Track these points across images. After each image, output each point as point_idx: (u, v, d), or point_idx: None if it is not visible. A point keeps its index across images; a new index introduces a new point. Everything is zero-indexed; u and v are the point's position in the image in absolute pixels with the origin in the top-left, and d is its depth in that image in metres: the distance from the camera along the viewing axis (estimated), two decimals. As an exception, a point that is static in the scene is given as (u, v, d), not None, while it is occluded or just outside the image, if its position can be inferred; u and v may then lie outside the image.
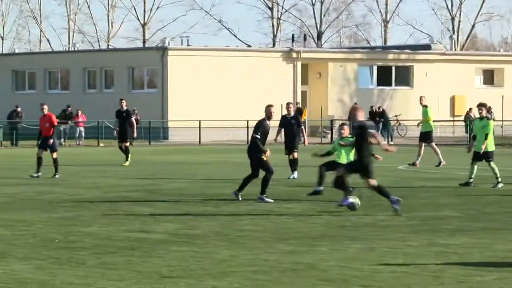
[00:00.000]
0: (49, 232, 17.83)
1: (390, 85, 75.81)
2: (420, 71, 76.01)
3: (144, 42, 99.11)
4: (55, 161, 31.70)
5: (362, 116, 21.56)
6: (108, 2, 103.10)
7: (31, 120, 61.31)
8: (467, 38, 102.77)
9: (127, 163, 37.76)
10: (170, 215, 20.40)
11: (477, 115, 29.07)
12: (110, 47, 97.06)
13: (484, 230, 18.13)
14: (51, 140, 32.11)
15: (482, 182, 28.21)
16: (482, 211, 21.51)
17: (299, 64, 73.45)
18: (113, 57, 75.07)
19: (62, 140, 62.35)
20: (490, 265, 14.01)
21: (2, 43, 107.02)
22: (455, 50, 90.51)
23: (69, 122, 64.35)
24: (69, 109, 65.31)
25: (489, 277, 13.03)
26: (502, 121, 65.77)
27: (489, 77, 79.59)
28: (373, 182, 20.70)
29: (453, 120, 71.55)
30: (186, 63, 68.86)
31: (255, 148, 23.74)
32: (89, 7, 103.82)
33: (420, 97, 39.74)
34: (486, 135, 27.10)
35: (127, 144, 39.04)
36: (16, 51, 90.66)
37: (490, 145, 27.33)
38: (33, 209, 21.66)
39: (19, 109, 63.46)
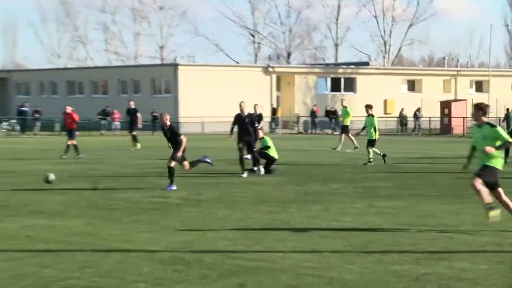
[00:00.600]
0: (94, 197, 17.80)
1: (340, 91, 75.71)
2: (362, 81, 76.09)
3: (161, 59, 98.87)
4: (74, 146, 31.70)
5: (168, 119, 19.77)
6: (135, 31, 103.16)
7: (80, 117, 61.08)
8: (395, 57, 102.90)
9: (138, 146, 37.83)
10: (182, 185, 20.36)
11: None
12: (137, 63, 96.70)
13: (410, 196, 18.14)
14: (76, 132, 32.34)
15: (403, 162, 28.28)
16: (407, 182, 21.51)
17: (274, 76, 73.39)
18: (139, 71, 74.96)
19: (103, 131, 62.31)
20: (415, 221, 14.03)
21: (58, 60, 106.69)
22: (386, 66, 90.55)
23: (107, 118, 64.28)
24: (108, 108, 65.29)
25: (414, 230, 13.04)
26: (421, 117, 65.72)
27: (412, 85, 79.58)
28: (171, 163, 19.62)
29: (385, 117, 71.51)
30: (192, 75, 68.80)
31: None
32: (121, 34, 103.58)
33: (341, 100, 40.03)
34: (374, 128, 27.74)
35: (135, 133, 38.95)
36: (69, 66, 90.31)
37: (374, 135, 27.93)
38: (83, 181, 21.60)
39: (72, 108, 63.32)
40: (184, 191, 19.08)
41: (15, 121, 62.77)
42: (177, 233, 12.75)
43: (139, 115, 39.74)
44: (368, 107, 28.54)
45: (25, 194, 18.33)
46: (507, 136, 12.69)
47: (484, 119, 12.76)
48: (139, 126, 39.68)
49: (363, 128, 28.79)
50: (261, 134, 25.03)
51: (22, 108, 64.30)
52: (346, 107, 37.91)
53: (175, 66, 70.11)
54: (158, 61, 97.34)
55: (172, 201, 17.11)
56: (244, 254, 10.90)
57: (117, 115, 64.22)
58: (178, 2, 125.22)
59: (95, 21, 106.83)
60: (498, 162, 12.64)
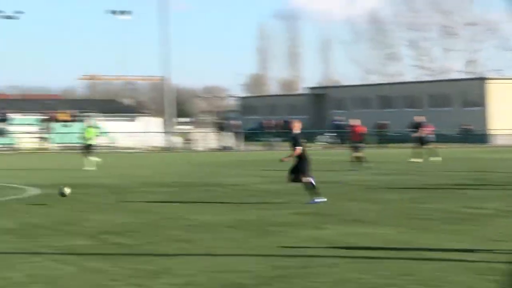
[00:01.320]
0: (405, 207, 17.55)
1: None
2: None
3: (470, 74, 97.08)
4: (357, 157, 31.66)
5: (298, 128, 18.88)
6: (444, 47, 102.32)
7: (392, 130, 61.47)
8: None
9: (437, 159, 36.78)
10: (496, 196, 19.54)
11: None
12: (446, 78, 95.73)
13: None
14: (361, 145, 32.14)
15: None
16: None
17: None
18: (449, 85, 74.16)
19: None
20: None
21: (371, 76, 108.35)
22: None
23: (418, 131, 63.97)
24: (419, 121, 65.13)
25: None
26: None
27: None
28: (306, 179, 18.50)
29: None
30: (502, 89, 66.86)
31: None
32: (430, 50, 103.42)
33: None
34: None
35: (431, 146, 38.05)
36: (381, 82, 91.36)
37: None
38: (394, 192, 21.46)
39: (386, 122, 64.10)
40: (500, 201, 18.33)
41: (334, 134, 64.86)
42: (493, 244, 12.21)
43: (424, 129, 39.10)
44: None
45: (344, 203, 18.58)
46: None
47: None
48: (422, 137, 38.85)
49: None
50: None
51: (335, 122, 66.29)
52: None
53: (484, 80, 68.49)
54: (466, 75, 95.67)
55: (487, 212, 16.46)
56: None
57: (429, 128, 63.70)
58: (487, 18, 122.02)
59: (405, 38, 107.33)
60: None
